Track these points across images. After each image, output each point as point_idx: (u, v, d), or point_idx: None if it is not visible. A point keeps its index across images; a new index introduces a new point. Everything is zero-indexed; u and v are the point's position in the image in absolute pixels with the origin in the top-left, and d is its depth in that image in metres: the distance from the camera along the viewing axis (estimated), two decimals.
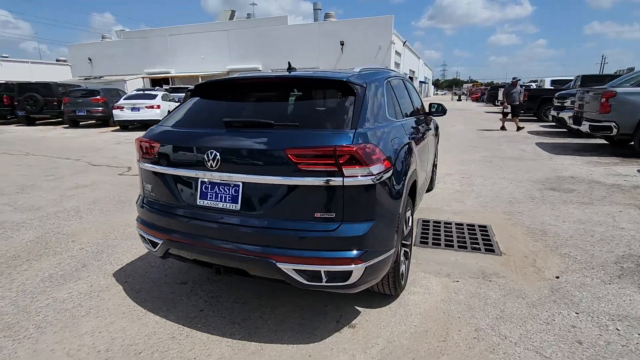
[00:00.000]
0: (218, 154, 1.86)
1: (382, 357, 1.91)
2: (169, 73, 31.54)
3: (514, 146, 8.69)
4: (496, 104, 23.01)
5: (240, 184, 1.87)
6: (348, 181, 1.73)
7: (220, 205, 1.92)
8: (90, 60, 34.23)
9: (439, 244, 3.33)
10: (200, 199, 1.98)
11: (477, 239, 3.44)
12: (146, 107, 12.04)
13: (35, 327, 2.16)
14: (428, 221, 3.91)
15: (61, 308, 2.35)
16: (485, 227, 3.71)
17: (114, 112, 12.08)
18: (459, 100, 41.20)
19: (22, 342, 2.04)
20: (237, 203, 1.88)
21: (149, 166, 2.14)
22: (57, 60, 48.45)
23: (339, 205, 1.77)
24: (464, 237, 3.46)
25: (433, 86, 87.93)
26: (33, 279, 2.70)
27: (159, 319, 2.25)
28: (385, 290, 2.30)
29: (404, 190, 2.12)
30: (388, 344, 2.00)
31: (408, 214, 2.52)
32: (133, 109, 12.01)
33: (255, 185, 1.85)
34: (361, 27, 26.44)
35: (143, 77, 30.61)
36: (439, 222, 3.86)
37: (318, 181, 1.73)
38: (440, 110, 4.11)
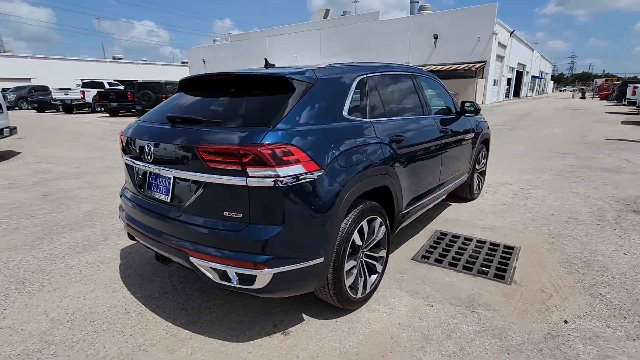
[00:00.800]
0: (152, 147, 1.97)
1: None
2: None
3: (617, 155, 7.08)
4: (623, 102, 19.03)
5: (172, 178, 1.95)
6: (252, 182, 1.66)
7: (158, 196, 2.04)
8: (203, 61, 38.93)
9: (442, 262, 2.94)
10: (147, 189, 2.13)
11: (491, 261, 2.94)
12: None
13: (39, 285, 2.61)
14: (445, 234, 3.48)
15: (66, 272, 2.78)
16: (511, 249, 3.14)
17: None
18: (583, 97, 35.05)
19: (23, 295, 2.48)
20: (168, 195, 1.97)
21: (123, 157, 2.37)
22: (182, 62, 56.69)
23: (246, 206, 1.71)
24: (476, 258, 2.99)
25: (552, 82, 76.60)
26: (63, 246, 3.25)
27: (128, 294, 2.49)
28: (329, 301, 2.14)
29: (346, 197, 1.93)
30: (304, 358, 1.87)
31: (376, 224, 2.29)
32: None
33: (181, 180, 1.91)
34: (458, 18, 24.45)
35: None
36: (458, 237, 3.41)
37: (225, 179, 1.71)
38: (473, 109, 3.60)
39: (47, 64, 40.41)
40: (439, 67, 24.77)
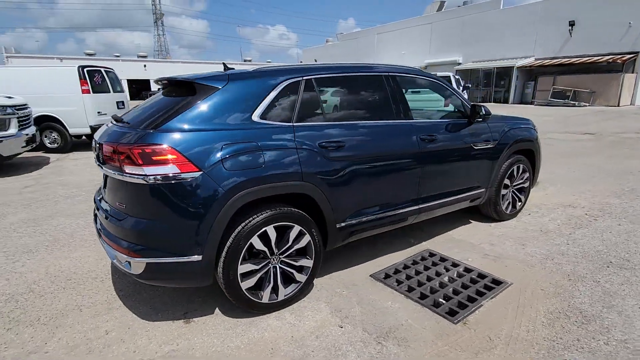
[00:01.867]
0: (98, 145, 2.32)
1: (163, 354, 1.94)
2: None
3: None
4: None
5: (104, 174, 2.28)
6: (126, 177, 1.85)
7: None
8: (315, 60, 41.03)
9: (401, 284, 2.65)
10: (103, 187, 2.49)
11: (459, 294, 2.51)
12: None
13: (61, 245, 3.33)
14: (433, 255, 3.08)
15: (84, 239, 3.47)
16: (498, 284, 2.61)
17: None
18: None
19: (47, 251, 3.21)
20: (106, 189, 2.30)
21: None
22: (300, 62, 61.19)
23: (126, 198, 1.91)
24: (445, 287, 2.59)
25: None
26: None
27: (108, 264, 2.98)
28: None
29: (231, 200, 1.95)
30: (181, 349, 1.99)
31: (293, 232, 2.23)
32: None
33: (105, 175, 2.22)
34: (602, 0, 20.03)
35: None
36: (445, 260, 2.99)
37: (114, 174, 1.93)
38: (481, 115, 3.08)
39: (195, 67, 48.35)
40: (574, 60, 20.85)
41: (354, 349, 1.97)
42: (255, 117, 2.14)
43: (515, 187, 3.78)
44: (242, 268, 2.10)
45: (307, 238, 2.31)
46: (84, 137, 8.82)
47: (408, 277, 2.75)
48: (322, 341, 2.03)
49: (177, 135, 1.90)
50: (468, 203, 3.42)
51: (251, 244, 2.10)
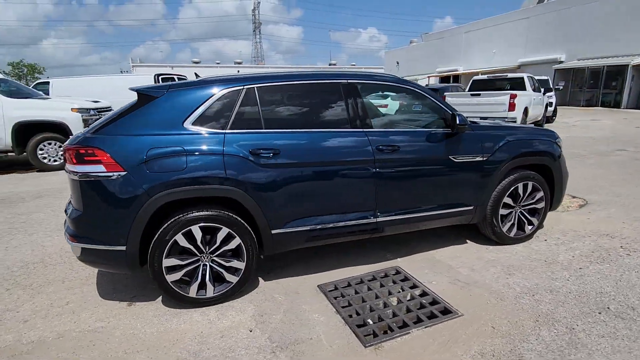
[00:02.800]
0: None
1: (92, 329, 2.23)
2: (457, 70, 31.77)
3: None
4: None
5: None
6: (67, 174, 2.18)
7: None
8: (397, 63, 40.08)
9: (342, 298, 2.57)
10: None
11: (396, 317, 2.33)
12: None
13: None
14: (398, 273, 2.89)
15: None
16: (447, 313, 2.35)
17: None
18: None
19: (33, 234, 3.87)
20: None
21: None
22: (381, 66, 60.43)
23: (71, 192, 2.24)
24: (386, 308, 2.44)
25: None
26: None
27: None
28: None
29: (152, 199, 2.15)
30: (108, 327, 2.26)
31: (221, 234, 2.35)
32: None
33: None
34: None
35: (429, 76, 32.61)
36: (406, 280, 2.79)
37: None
38: (457, 123, 2.78)
39: (280, 71, 51.37)
40: None
41: (246, 354, 2.01)
42: (187, 124, 2.31)
43: (524, 208, 3.29)
44: (167, 262, 2.29)
45: (236, 241, 2.41)
46: None
47: (356, 292, 2.65)
48: (224, 341, 2.11)
49: (108, 139, 2.17)
50: (453, 220, 3.10)
51: (176, 240, 2.27)
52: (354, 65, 65.17)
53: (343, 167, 2.60)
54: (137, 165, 2.16)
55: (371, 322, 2.28)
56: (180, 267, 2.35)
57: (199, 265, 2.40)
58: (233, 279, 2.47)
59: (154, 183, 2.17)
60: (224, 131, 2.37)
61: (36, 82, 11.45)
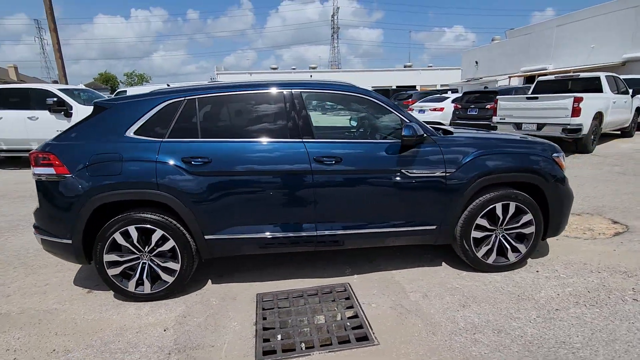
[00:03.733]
0: None
1: (47, 309, 2.57)
2: (546, 69, 28.35)
3: None
4: None
5: None
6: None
7: None
8: (476, 63, 37.26)
9: (272, 309, 2.55)
10: None
11: (305, 337, 2.25)
12: (430, 109, 12.78)
13: None
14: (344, 291, 2.76)
15: None
16: (363, 340, 2.19)
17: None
18: None
19: None
20: None
21: None
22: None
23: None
24: (304, 326, 2.36)
25: None
26: None
27: None
28: None
29: (91, 199, 2.41)
30: (60, 310, 2.58)
31: (156, 235, 2.52)
32: (420, 111, 13.14)
33: None
34: None
35: (510, 76, 29.68)
36: (347, 299, 2.65)
37: None
38: (404, 134, 2.54)
39: (354, 76, 51.67)
40: None
41: (145, 352, 2.13)
42: (130, 132, 2.53)
43: (507, 232, 2.87)
44: (108, 257, 2.53)
45: (171, 243, 2.55)
46: None
47: (290, 305, 2.60)
48: (136, 336, 2.26)
49: (60, 145, 2.49)
50: (413, 240, 2.85)
51: (114, 238, 2.50)
52: (430, 66, 62.20)
53: (278, 177, 2.58)
54: (81, 169, 2.44)
55: (279, 338, 2.23)
56: (120, 262, 2.57)
57: (139, 262, 2.60)
58: (169, 278, 2.62)
59: (92, 185, 2.42)
60: (160, 140, 2.53)
61: (117, 91, 13.32)
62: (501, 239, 2.88)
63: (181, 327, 2.36)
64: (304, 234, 2.67)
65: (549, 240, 3.45)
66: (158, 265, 2.61)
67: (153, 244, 2.56)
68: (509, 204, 2.78)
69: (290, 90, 2.69)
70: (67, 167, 2.44)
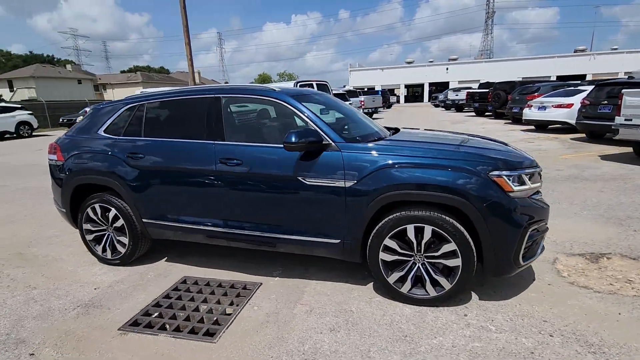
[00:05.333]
0: None
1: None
2: None
3: None
4: None
5: None
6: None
7: None
8: None
9: (167, 305, 2.89)
10: None
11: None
12: (553, 106, 10.44)
13: None
14: (247, 289, 2.86)
15: None
16: (208, 336, 2.31)
17: (524, 110, 11.56)
18: None
19: None
20: None
21: None
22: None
23: None
24: (186, 306, 2.61)
25: None
26: None
27: None
28: None
29: (72, 180, 3.19)
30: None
31: (111, 214, 3.16)
32: (540, 107, 10.85)
33: None
34: None
35: None
36: (241, 296, 2.75)
37: None
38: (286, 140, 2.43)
39: (496, 66, 45.68)
40: None
41: (67, 300, 2.75)
42: (100, 131, 3.21)
43: (429, 261, 2.42)
44: (85, 226, 3.30)
45: (121, 221, 3.15)
46: None
47: (197, 292, 2.86)
48: (73, 288, 2.91)
49: (63, 139, 3.35)
50: (318, 251, 2.72)
51: (87, 213, 3.25)
52: (615, 48, 49.64)
53: (191, 175, 2.85)
54: (69, 157, 3.24)
55: (153, 315, 2.54)
56: (92, 231, 3.31)
57: (105, 234, 3.29)
58: (122, 250, 3.23)
59: (73, 171, 3.21)
60: (117, 137, 3.13)
61: None
62: (421, 267, 2.44)
63: (107, 289, 2.92)
64: (217, 229, 2.88)
65: (537, 281, 2.70)
66: (115, 238, 3.25)
67: (110, 219, 3.20)
68: (423, 227, 2.34)
69: (211, 96, 2.91)
70: (63, 155, 3.29)
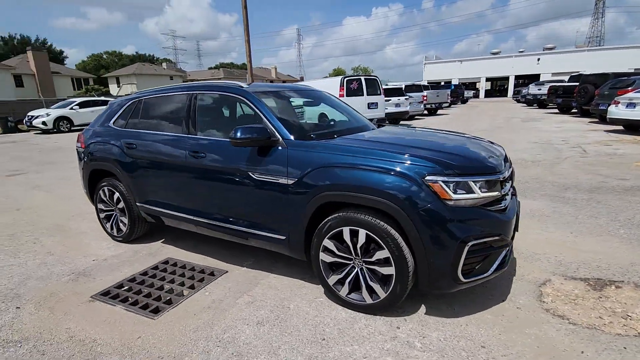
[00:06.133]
0: None
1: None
2: None
3: None
4: None
5: None
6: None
7: None
8: None
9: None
10: None
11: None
12: None
13: None
14: (213, 275, 3.04)
15: None
16: (146, 309, 2.53)
17: (610, 107, 9.81)
18: None
19: None
20: None
21: None
22: None
23: None
24: (160, 281, 2.89)
25: None
26: None
27: None
28: None
29: (89, 165, 3.70)
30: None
31: (115, 196, 3.61)
32: (629, 105, 9.13)
33: None
34: None
35: None
36: (207, 282, 2.94)
37: None
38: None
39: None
40: None
41: (66, 267, 3.22)
42: (111, 123, 3.65)
43: (366, 266, 2.32)
44: (98, 205, 3.81)
45: (122, 204, 3.57)
46: None
47: (171, 272, 3.14)
48: (79, 259, 3.39)
49: (85, 129, 3.88)
50: (270, 246, 2.77)
51: (99, 194, 3.74)
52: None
53: (168, 166, 3.10)
54: (87, 145, 3.76)
55: (124, 288, 2.85)
56: (104, 210, 3.80)
57: (112, 213, 3.75)
58: (124, 229, 3.66)
59: (89, 157, 3.71)
60: (120, 129, 3.54)
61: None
62: (359, 272, 2.34)
63: (102, 262, 3.34)
64: (191, 217, 3.10)
65: (507, 302, 2.41)
66: (119, 218, 3.69)
67: (115, 201, 3.64)
68: (357, 230, 2.24)
69: (189, 92, 3.12)
70: (85, 144, 3.82)
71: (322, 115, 3.66)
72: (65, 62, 53.56)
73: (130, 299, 2.71)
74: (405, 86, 17.10)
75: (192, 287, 2.86)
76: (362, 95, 10.88)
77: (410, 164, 2.13)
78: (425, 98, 18.68)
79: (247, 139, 2.50)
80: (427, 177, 2.06)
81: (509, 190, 2.40)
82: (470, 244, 2.04)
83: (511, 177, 2.56)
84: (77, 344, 2.19)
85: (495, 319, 2.27)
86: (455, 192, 2.05)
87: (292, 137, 2.56)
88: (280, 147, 2.54)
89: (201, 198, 2.99)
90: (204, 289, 2.79)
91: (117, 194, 3.60)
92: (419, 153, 2.22)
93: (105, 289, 2.85)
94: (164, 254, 3.47)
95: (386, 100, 13.71)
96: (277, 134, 2.57)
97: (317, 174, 2.35)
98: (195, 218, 3.08)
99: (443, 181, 2.05)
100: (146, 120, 3.48)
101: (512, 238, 2.35)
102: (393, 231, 2.13)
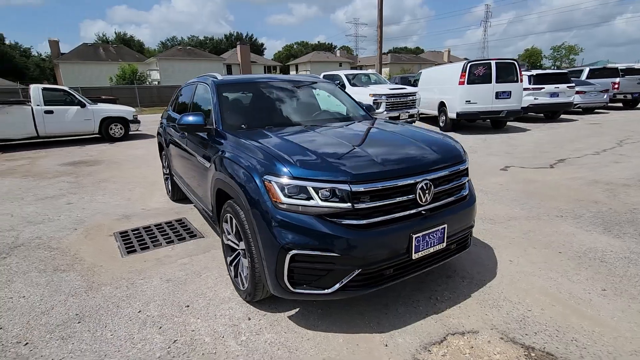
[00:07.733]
0: None
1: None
2: None
3: None
4: None
5: None
6: None
7: None
8: None
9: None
10: None
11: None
12: None
13: None
14: (184, 226, 3.66)
15: None
16: (133, 251, 3.33)
17: None
18: None
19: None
20: None
21: None
22: None
23: None
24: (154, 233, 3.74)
25: None
26: None
27: None
28: None
29: (159, 142, 4.86)
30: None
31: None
32: None
33: None
34: None
35: None
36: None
37: None
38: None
39: None
40: None
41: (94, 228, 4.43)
42: (171, 109, 4.65)
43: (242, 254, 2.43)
44: (163, 170, 4.98)
45: (167, 170, 4.59)
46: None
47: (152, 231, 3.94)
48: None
49: (165, 112, 5.05)
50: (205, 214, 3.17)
51: (162, 163, 4.88)
52: None
53: (175, 142, 3.82)
54: (162, 125, 4.90)
55: (135, 232, 3.77)
56: (164, 174, 4.94)
57: (168, 178, 4.84)
58: (170, 192, 4.69)
59: (161, 134, 4.85)
60: (169, 110, 4.49)
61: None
62: (242, 258, 2.46)
63: (146, 211, 4.42)
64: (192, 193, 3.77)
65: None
66: (169, 184, 4.74)
67: (167, 167, 4.70)
68: (230, 217, 2.36)
69: (193, 84, 3.72)
70: (162, 124, 4.99)
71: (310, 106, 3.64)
72: (263, 53, 65.00)
73: (131, 241, 3.61)
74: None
75: (170, 241, 3.55)
76: (490, 82, 9.34)
77: (262, 160, 2.10)
78: (616, 86, 14.23)
79: (184, 125, 2.88)
80: (266, 176, 2.00)
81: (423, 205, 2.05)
82: (292, 252, 1.89)
83: (429, 189, 2.09)
84: (69, 258, 3.17)
85: (355, 347, 2.00)
86: (288, 196, 1.92)
87: (221, 128, 2.81)
88: (214, 135, 2.83)
89: (185, 171, 3.63)
90: (173, 245, 3.42)
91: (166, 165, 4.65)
92: (275, 152, 2.13)
93: (125, 230, 3.86)
94: (186, 215, 4.29)
95: (537, 89, 11.28)
96: (215, 123, 2.87)
97: (215, 161, 2.57)
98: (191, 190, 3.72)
99: (276, 182, 1.94)
100: (177, 106, 4.33)
101: (412, 267, 2.07)
102: (247, 225, 2.17)
